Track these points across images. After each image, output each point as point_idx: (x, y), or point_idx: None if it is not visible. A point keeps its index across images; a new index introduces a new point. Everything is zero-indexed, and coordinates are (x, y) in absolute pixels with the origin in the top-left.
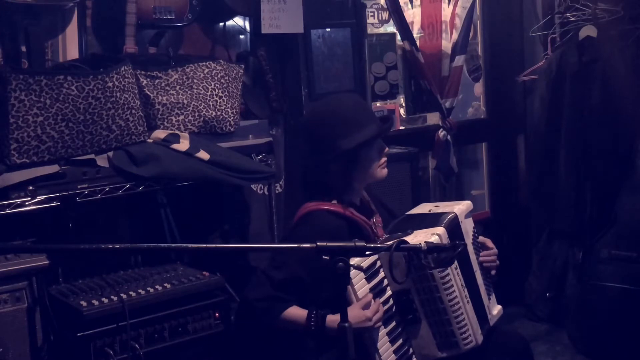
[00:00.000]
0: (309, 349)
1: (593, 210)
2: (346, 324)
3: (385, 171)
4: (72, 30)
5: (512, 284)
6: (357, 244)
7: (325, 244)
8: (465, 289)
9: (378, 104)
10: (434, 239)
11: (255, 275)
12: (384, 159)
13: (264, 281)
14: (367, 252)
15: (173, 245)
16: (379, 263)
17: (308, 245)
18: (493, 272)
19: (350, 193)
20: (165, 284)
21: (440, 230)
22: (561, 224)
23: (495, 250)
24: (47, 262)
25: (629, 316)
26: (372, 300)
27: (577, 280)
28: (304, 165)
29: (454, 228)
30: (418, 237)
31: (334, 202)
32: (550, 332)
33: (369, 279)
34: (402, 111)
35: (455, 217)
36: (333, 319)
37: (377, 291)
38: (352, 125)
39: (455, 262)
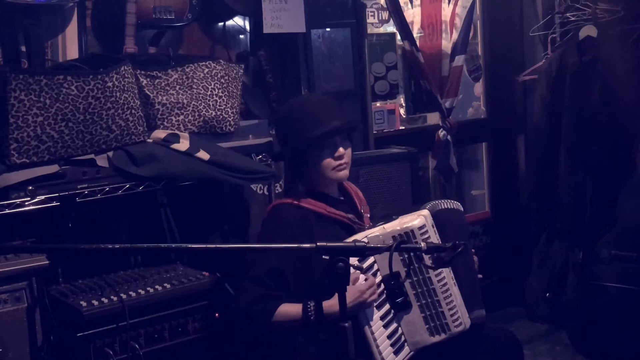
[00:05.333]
0: (302, 344)
1: (593, 210)
2: (346, 324)
3: (341, 174)
4: (72, 30)
5: (512, 284)
6: (357, 244)
7: (325, 244)
8: (451, 272)
9: (378, 104)
10: (419, 220)
11: (237, 286)
12: (338, 162)
13: (247, 285)
14: (367, 252)
15: (173, 245)
16: None
17: (308, 245)
18: (479, 275)
19: (319, 186)
20: (165, 284)
21: (425, 212)
22: (561, 224)
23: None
24: (47, 262)
25: (629, 316)
26: (363, 277)
27: (577, 280)
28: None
29: (440, 213)
30: (403, 220)
31: (303, 196)
32: (550, 332)
33: (359, 262)
34: (402, 111)
35: (441, 204)
36: (329, 304)
37: (368, 275)
38: (305, 123)
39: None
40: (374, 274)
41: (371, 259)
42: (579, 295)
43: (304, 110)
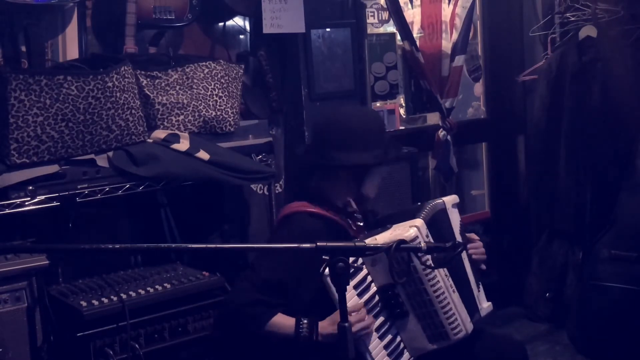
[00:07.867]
0: (301, 351)
1: (593, 210)
2: (346, 324)
3: (375, 191)
4: (72, 30)
5: (512, 284)
6: (357, 244)
7: (325, 244)
8: (450, 279)
9: (378, 104)
10: (412, 232)
11: (238, 280)
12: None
13: (247, 286)
14: (367, 252)
15: (173, 245)
16: (360, 260)
17: (308, 245)
18: (483, 266)
19: (335, 197)
20: (165, 284)
21: (418, 222)
22: (561, 224)
23: (481, 243)
24: (47, 262)
25: (629, 316)
26: (358, 303)
27: (577, 280)
28: (309, 163)
29: (434, 218)
30: (395, 232)
31: (316, 204)
32: (550, 332)
33: (350, 276)
34: (402, 111)
35: (438, 206)
36: (324, 325)
37: (361, 289)
38: (372, 143)
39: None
40: (369, 286)
41: (364, 272)
42: (579, 295)
43: (369, 127)
